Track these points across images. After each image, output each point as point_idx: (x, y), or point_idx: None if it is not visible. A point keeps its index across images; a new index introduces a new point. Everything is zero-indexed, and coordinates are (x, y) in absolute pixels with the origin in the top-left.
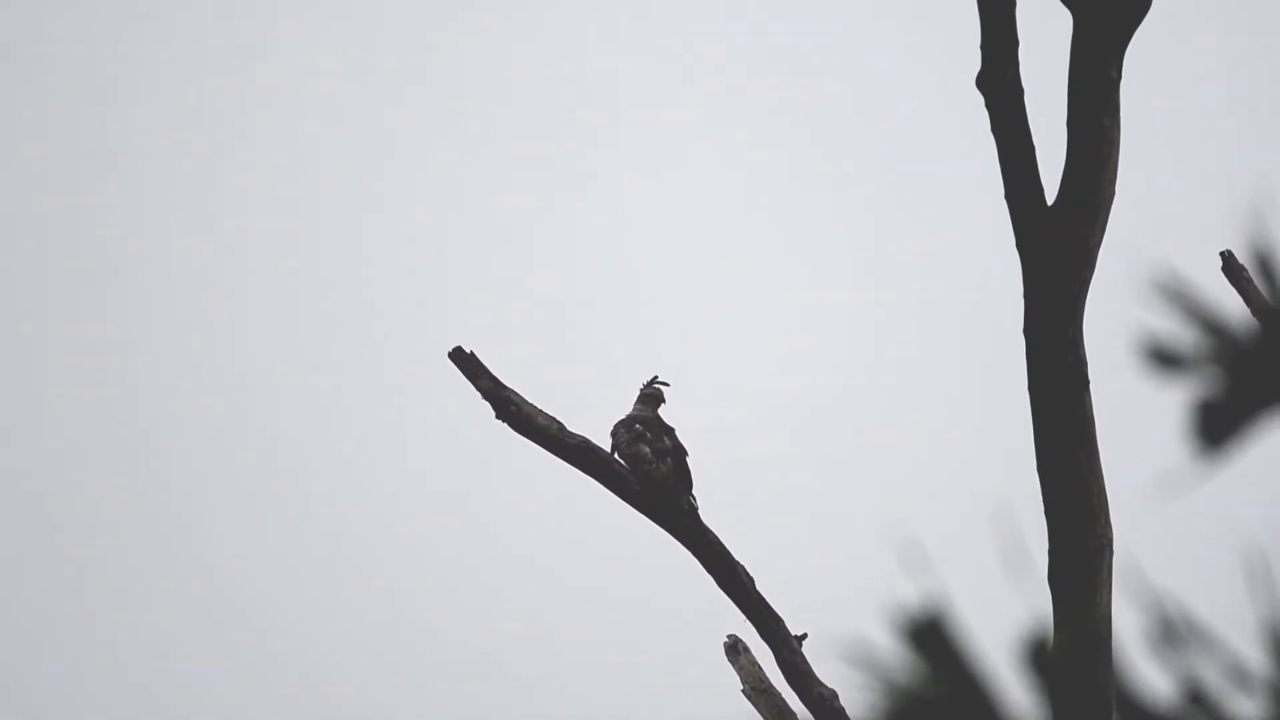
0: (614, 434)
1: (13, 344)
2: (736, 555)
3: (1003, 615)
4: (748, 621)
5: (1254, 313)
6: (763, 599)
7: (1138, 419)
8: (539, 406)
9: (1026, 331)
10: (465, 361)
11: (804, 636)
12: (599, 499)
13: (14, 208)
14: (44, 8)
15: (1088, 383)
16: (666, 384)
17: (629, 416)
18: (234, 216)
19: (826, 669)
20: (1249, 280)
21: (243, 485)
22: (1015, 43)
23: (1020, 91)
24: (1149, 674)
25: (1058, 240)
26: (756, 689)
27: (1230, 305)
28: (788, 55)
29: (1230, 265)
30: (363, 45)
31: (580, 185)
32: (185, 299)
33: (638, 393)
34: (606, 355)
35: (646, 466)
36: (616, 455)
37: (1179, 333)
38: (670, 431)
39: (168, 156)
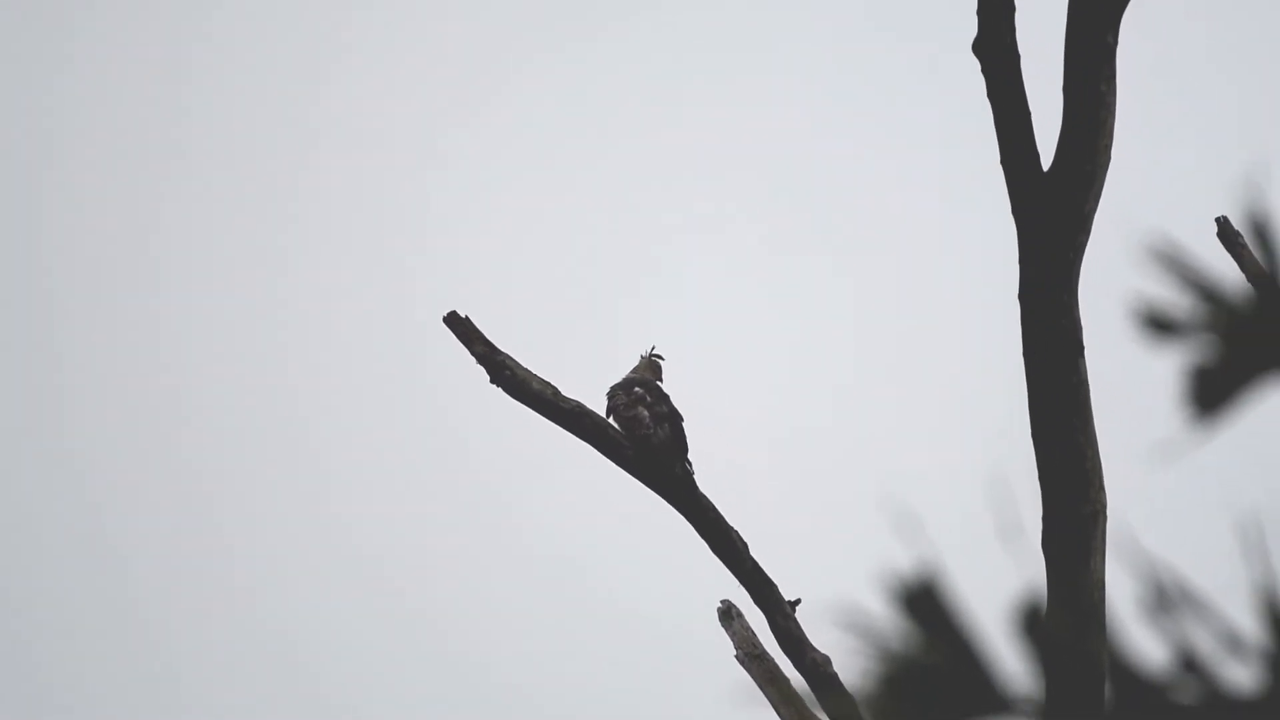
0: (611, 396)
1: (44, 341)
2: (731, 521)
3: (996, 582)
4: (741, 587)
5: (1249, 279)
6: (756, 565)
7: (1132, 385)
8: (534, 371)
9: (1021, 297)
10: (459, 326)
11: (797, 602)
12: (593, 468)
13: (67, 207)
14: (40, 15)
15: (1082, 349)
16: (662, 357)
17: (626, 379)
18: (263, 212)
19: (820, 635)
20: (1244, 246)
21: (260, 484)
22: (1012, 8)
23: (1017, 57)
24: (1142, 641)
25: (1053, 206)
26: (750, 654)
27: (1226, 271)
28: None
29: (1225, 231)
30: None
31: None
32: (209, 297)
33: (637, 359)
34: (605, 326)
35: (644, 430)
36: (613, 419)
37: (1174, 299)
38: (666, 397)
39: (203, 159)
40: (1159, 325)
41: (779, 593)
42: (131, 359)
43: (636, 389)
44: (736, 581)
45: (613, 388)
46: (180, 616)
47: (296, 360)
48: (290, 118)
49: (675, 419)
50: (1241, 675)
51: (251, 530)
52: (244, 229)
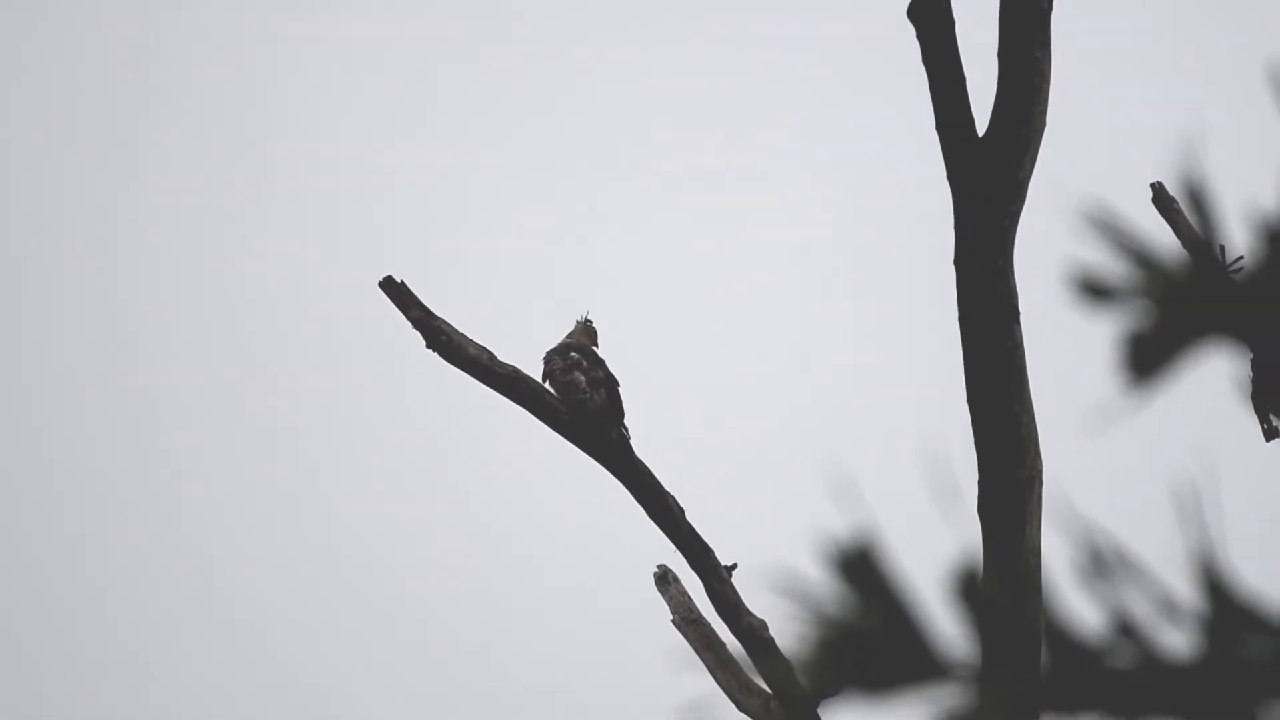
0: (548, 361)
1: (19, 344)
2: (667, 487)
3: (932, 547)
4: (678, 552)
5: (1184, 245)
6: (693, 529)
7: (1068, 351)
8: (470, 337)
9: (957, 263)
10: (395, 290)
11: (734, 567)
12: (528, 435)
13: (32, 206)
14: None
15: (1018, 314)
16: (592, 322)
17: (563, 344)
18: (230, 208)
19: (756, 600)
20: (1179, 212)
21: (240, 485)
22: None
23: (952, 22)
24: (1078, 606)
25: (988, 172)
26: (686, 619)
27: (1161, 237)
28: None
29: (1160, 197)
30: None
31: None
32: (180, 298)
33: (573, 324)
34: (544, 291)
35: (580, 395)
36: (549, 383)
37: (1109, 265)
38: (603, 362)
39: (170, 159)
40: (1094, 291)
41: (715, 557)
42: (96, 357)
43: (572, 354)
44: (673, 546)
45: (549, 353)
46: (153, 620)
47: (287, 360)
48: (236, 89)
49: (611, 384)
50: (1177, 641)
51: (249, 529)
52: (192, 210)
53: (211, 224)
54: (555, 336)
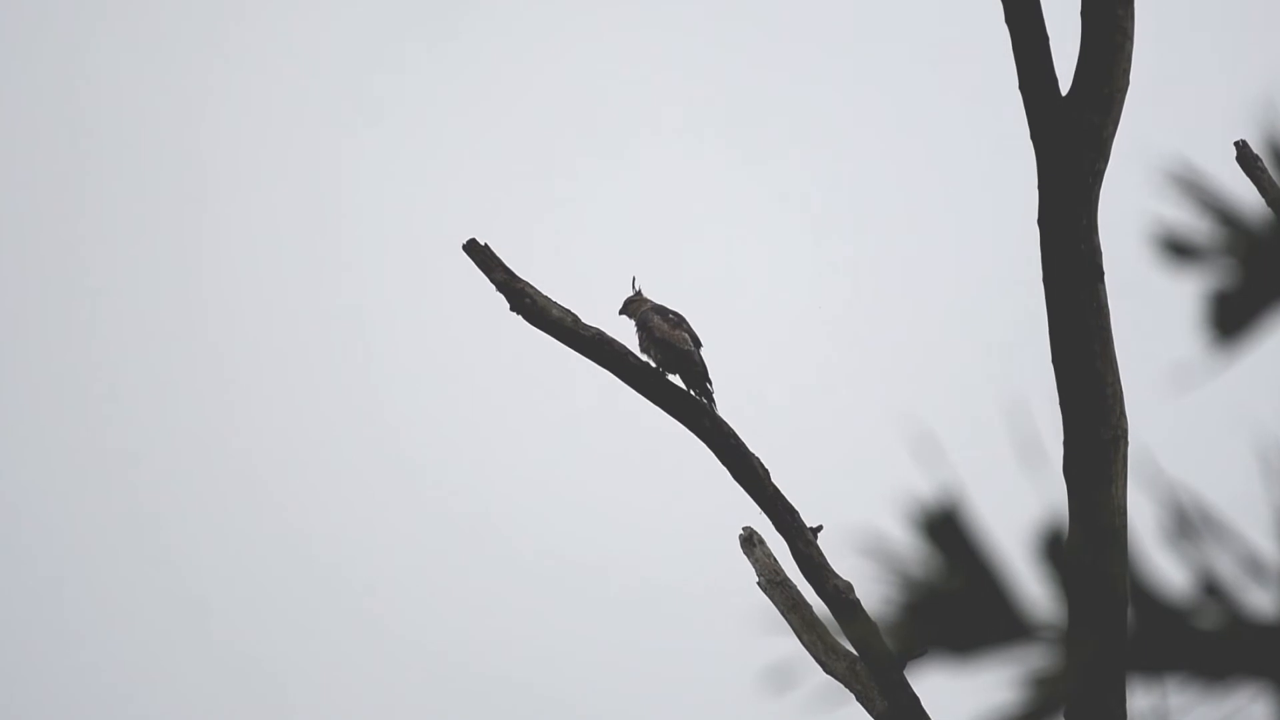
0: (645, 317)
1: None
2: (751, 449)
3: (1018, 508)
4: (763, 514)
5: (1268, 203)
6: (778, 491)
7: (1152, 310)
8: (553, 299)
9: (1041, 222)
10: (479, 253)
11: (819, 529)
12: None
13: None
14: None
15: (1102, 273)
16: (640, 290)
17: (658, 305)
18: (211, 206)
19: (841, 562)
20: (1263, 170)
21: (223, 488)
22: None
23: None
24: (1164, 566)
25: (1072, 130)
26: (772, 581)
27: (1244, 195)
28: None
29: (1244, 155)
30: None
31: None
32: (161, 298)
33: (631, 292)
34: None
35: (686, 348)
36: (649, 337)
37: (1193, 223)
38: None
39: (142, 154)
40: (1178, 250)
41: (800, 519)
42: (110, 359)
43: (671, 314)
44: (758, 509)
45: (645, 311)
46: (136, 621)
47: (272, 361)
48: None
49: (698, 344)
50: (1263, 600)
51: (229, 530)
52: (172, 201)
53: (185, 225)
54: (595, 307)
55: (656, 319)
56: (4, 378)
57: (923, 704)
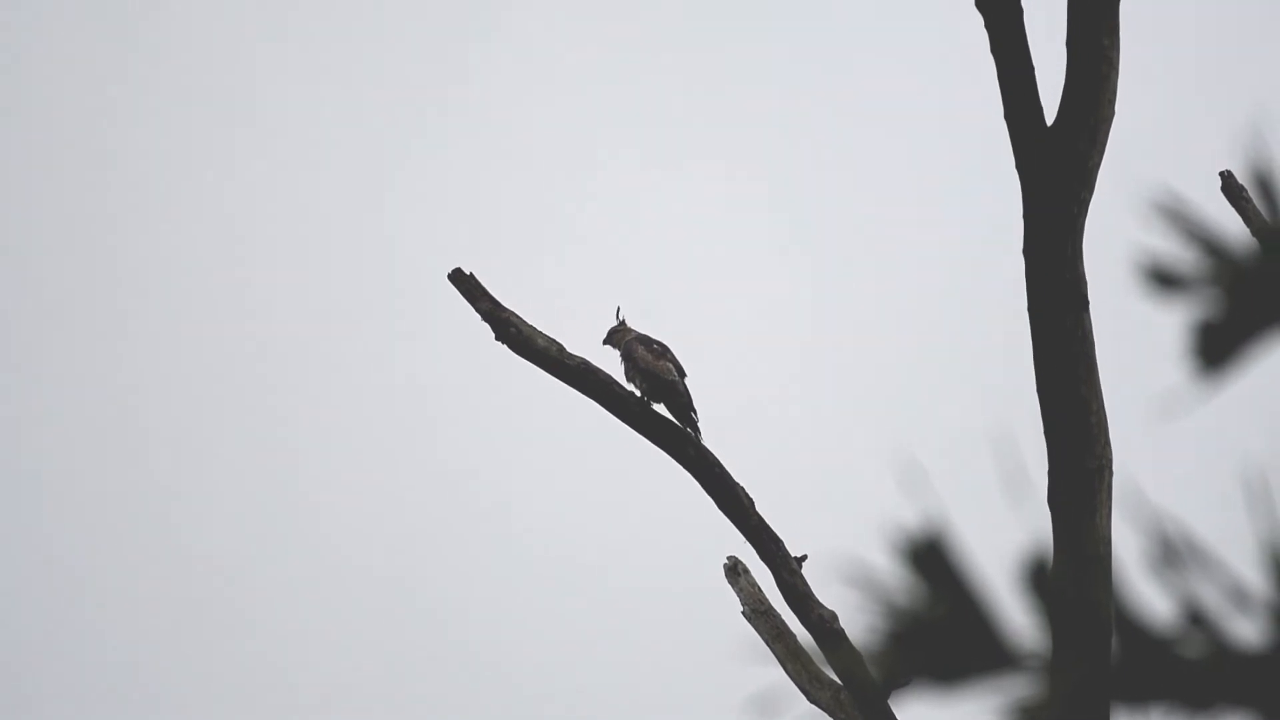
0: (630, 347)
1: (14, 343)
2: (736, 478)
3: (1002, 537)
4: (748, 543)
5: (1253, 232)
6: (762, 521)
7: (1137, 340)
8: (538, 328)
9: (1026, 251)
10: (464, 283)
11: (803, 558)
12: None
13: (22, 209)
14: (46, 13)
15: (1087, 303)
16: (624, 320)
17: (642, 335)
18: (231, 200)
19: (826, 591)
20: (1248, 200)
21: (236, 480)
22: None
23: (1019, 11)
24: (1148, 595)
25: (1057, 160)
26: (756, 610)
27: (1230, 225)
28: None
29: (1230, 185)
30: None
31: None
32: (175, 291)
33: (616, 322)
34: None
35: (671, 378)
36: (634, 367)
37: (1178, 253)
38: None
39: (162, 153)
40: (1163, 279)
41: (785, 548)
42: (125, 350)
43: (655, 344)
44: (743, 538)
45: (629, 341)
46: (149, 616)
47: (289, 354)
48: (253, 83)
49: (682, 373)
50: (1247, 629)
51: (245, 524)
52: (200, 197)
53: (208, 219)
54: (582, 331)
55: (640, 349)
56: (31, 373)
57: None
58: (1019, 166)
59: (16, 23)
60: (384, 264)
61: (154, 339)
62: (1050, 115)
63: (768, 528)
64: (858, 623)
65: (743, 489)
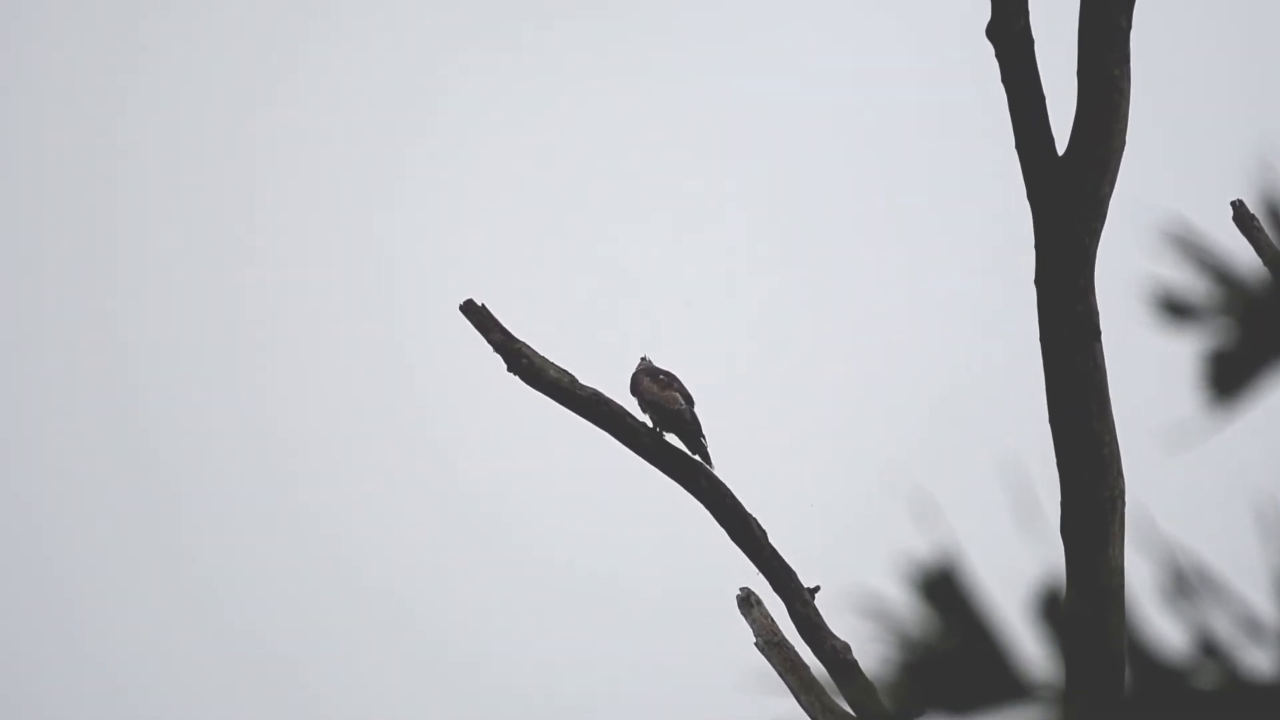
0: (637, 380)
1: (15, 344)
2: (749, 509)
3: (1015, 567)
4: (760, 575)
5: (1265, 262)
6: (775, 552)
7: (1149, 370)
8: (550, 360)
9: (1038, 281)
10: (476, 314)
11: (816, 589)
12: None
13: (22, 212)
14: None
15: (1099, 333)
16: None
17: (649, 367)
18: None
19: (839, 622)
20: (1260, 229)
21: (236, 483)
22: None
23: (1030, 41)
24: (1161, 625)
25: (1068, 190)
26: (769, 642)
27: (1241, 255)
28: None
29: (1241, 214)
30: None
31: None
32: (179, 297)
33: (639, 360)
34: (600, 327)
35: (677, 407)
36: (642, 398)
37: (1190, 283)
38: (682, 384)
39: (174, 158)
40: (1175, 309)
41: (798, 580)
42: (128, 355)
43: (662, 375)
44: (755, 569)
45: (637, 373)
46: (148, 618)
47: (291, 361)
48: (258, 101)
49: (691, 402)
50: (1261, 660)
51: (244, 527)
52: (212, 214)
53: (212, 235)
54: (603, 367)
55: (646, 380)
56: (31, 376)
57: None
58: (1030, 197)
59: (15, 29)
60: (387, 279)
61: (155, 344)
62: (1061, 145)
63: (780, 558)
64: (871, 654)
65: (755, 520)
